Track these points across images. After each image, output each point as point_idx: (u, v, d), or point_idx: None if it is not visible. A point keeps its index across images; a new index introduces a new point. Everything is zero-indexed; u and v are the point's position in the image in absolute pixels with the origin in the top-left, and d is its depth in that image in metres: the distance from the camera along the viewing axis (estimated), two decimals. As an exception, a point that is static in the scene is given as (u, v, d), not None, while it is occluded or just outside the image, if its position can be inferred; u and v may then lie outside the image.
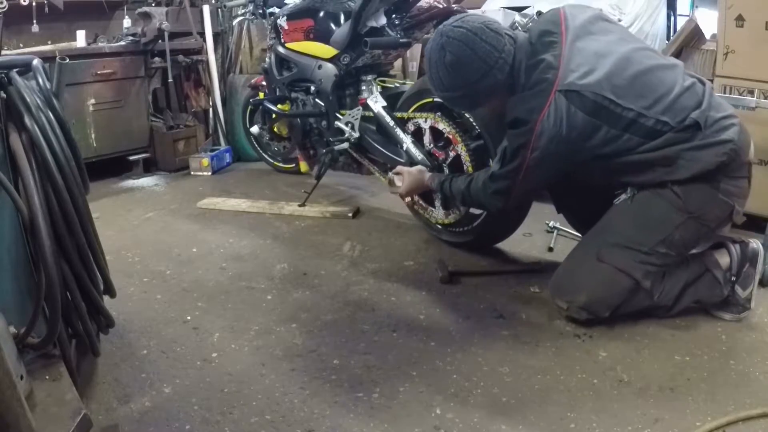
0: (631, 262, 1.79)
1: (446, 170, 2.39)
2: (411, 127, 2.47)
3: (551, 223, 2.59)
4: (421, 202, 2.54)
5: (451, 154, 2.35)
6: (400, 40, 2.59)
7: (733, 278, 1.84)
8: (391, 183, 2.36)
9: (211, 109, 4.27)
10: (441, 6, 2.67)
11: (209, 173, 3.86)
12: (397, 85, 2.82)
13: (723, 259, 1.86)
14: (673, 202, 1.75)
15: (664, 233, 1.77)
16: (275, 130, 3.53)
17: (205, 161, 3.86)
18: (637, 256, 1.78)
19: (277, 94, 3.13)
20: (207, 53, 4.13)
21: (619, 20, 3.46)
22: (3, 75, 1.34)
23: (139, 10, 3.75)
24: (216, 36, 4.21)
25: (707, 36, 2.72)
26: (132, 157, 3.86)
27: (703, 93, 1.76)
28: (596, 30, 1.80)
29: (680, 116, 1.70)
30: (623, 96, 1.68)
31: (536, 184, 1.91)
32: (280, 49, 3.03)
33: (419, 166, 2.31)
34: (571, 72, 1.68)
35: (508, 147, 1.80)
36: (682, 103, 1.72)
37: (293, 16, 2.94)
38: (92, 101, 3.59)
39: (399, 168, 2.34)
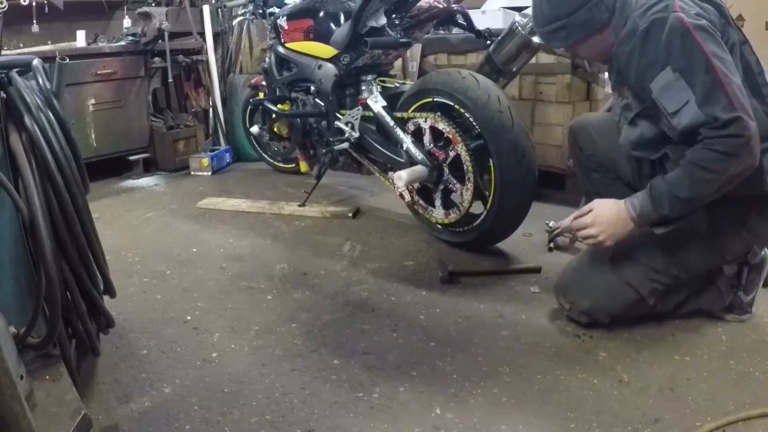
0: (642, 278, 1.74)
1: (446, 170, 2.39)
2: (411, 127, 2.47)
3: (551, 224, 2.58)
4: (421, 202, 2.54)
5: (451, 153, 2.35)
6: (400, 40, 2.59)
7: (737, 285, 1.84)
8: (568, 241, 1.94)
9: (211, 109, 4.27)
10: (441, 6, 2.67)
11: (209, 173, 3.86)
12: (397, 85, 2.82)
13: (729, 268, 1.84)
14: (697, 226, 1.68)
15: (680, 256, 1.72)
16: (275, 130, 3.53)
17: (205, 161, 3.87)
18: (649, 274, 1.74)
19: (277, 94, 3.13)
20: (207, 53, 4.14)
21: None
22: (3, 75, 1.34)
23: (139, 10, 3.75)
24: (216, 36, 4.21)
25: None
26: (132, 157, 3.86)
27: None
28: None
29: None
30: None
31: (737, 78, 1.48)
32: (280, 49, 3.03)
33: (609, 201, 1.70)
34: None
35: (673, 66, 1.47)
36: None
37: (293, 16, 2.95)
38: (92, 101, 3.59)
39: (582, 212, 1.75)
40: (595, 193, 2.06)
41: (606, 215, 1.65)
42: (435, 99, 2.40)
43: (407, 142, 2.44)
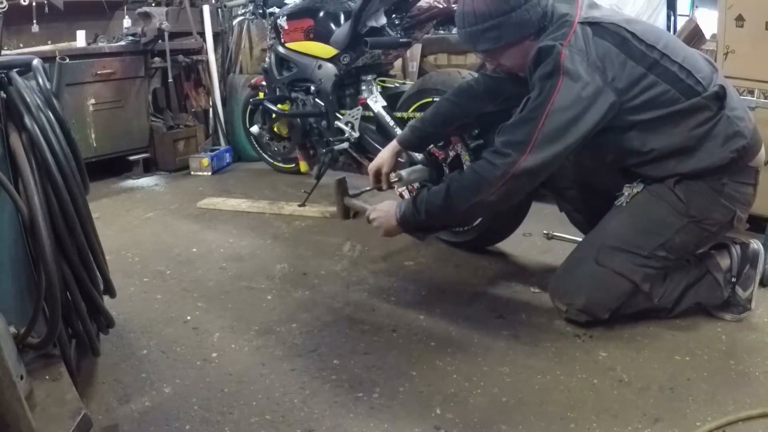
0: (630, 266, 1.76)
1: (446, 170, 2.39)
2: (411, 127, 2.47)
3: (549, 233, 2.57)
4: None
5: (451, 153, 2.34)
6: (400, 40, 2.60)
7: (734, 279, 1.84)
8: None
9: (211, 109, 4.27)
10: (441, 6, 2.67)
11: (209, 173, 3.86)
12: (397, 85, 2.82)
13: (723, 260, 1.85)
14: (674, 205, 1.73)
15: (664, 237, 1.75)
16: (275, 130, 3.53)
17: (205, 161, 3.87)
18: (637, 260, 1.76)
19: (277, 94, 3.13)
20: (207, 53, 4.13)
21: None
22: (3, 75, 1.34)
23: (139, 10, 3.75)
24: (216, 36, 4.21)
25: (707, 36, 2.73)
26: (132, 157, 3.86)
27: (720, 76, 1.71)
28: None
29: (706, 80, 1.65)
30: (645, 36, 1.64)
31: (562, 142, 1.61)
32: (280, 49, 3.03)
33: (389, 201, 1.98)
34: (591, 12, 1.67)
35: (532, 87, 1.64)
36: (705, 70, 1.67)
37: (293, 16, 2.95)
38: (92, 101, 3.59)
39: (371, 209, 2.03)
40: (575, 211, 2.13)
41: (384, 209, 1.94)
42: (435, 99, 2.40)
43: (407, 142, 2.43)
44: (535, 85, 1.65)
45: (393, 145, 2.16)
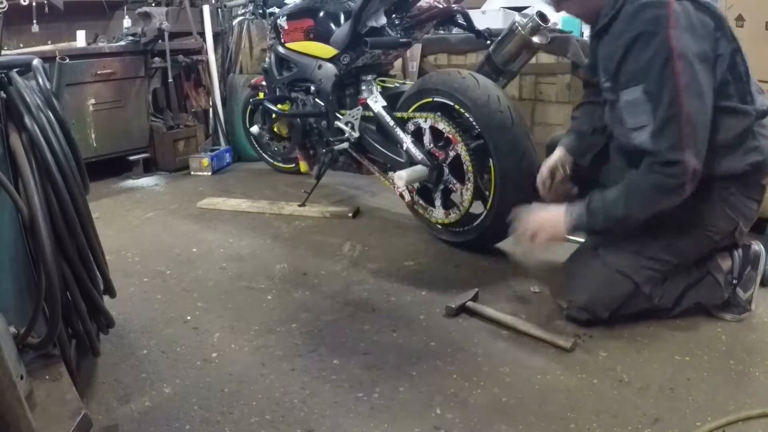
0: (633, 266, 1.77)
1: (446, 170, 2.39)
2: (411, 127, 2.47)
3: None
4: (421, 202, 2.55)
5: (451, 153, 2.35)
6: (400, 40, 2.60)
7: (735, 281, 1.84)
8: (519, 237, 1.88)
9: (211, 109, 4.27)
10: (441, 6, 2.67)
11: (209, 173, 3.86)
12: (397, 85, 2.82)
13: (725, 262, 1.85)
14: (683, 212, 1.69)
15: (668, 240, 1.76)
16: (275, 130, 3.53)
17: (205, 161, 3.87)
18: (639, 261, 1.77)
19: (277, 94, 3.13)
20: (207, 53, 4.14)
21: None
22: (3, 75, 1.34)
23: (139, 10, 3.75)
24: (216, 36, 4.21)
25: (707, 36, 2.72)
26: (132, 157, 3.86)
27: None
28: None
29: (757, 96, 1.66)
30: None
31: (703, 112, 1.55)
32: (280, 49, 3.03)
33: (541, 208, 1.88)
34: None
35: (645, 87, 1.55)
36: (756, 85, 1.69)
37: (293, 16, 2.95)
38: (92, 101, 3.59)
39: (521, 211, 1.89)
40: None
41: (545, 217, 1.80)
42: (435, 99, 2.40)
43: (407, 142, 2.44)
44: (634, 76, 1.57)
45: (562, 152, 2.04)
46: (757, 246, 1.87)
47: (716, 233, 1.76)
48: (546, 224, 1.80)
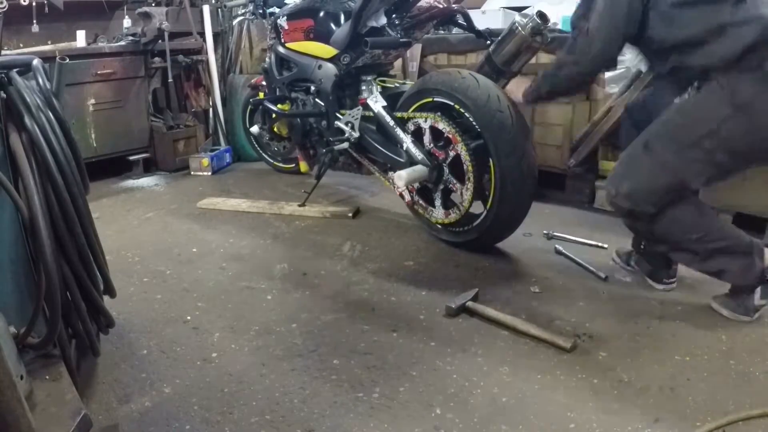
0: (680, 159, 1.77)
1: (446, 170, 2.39)
2: (411, 126, 2.47)
3: (549, 233, 2.58)
4: (421, 202, 2.55)
5: (451, 153, 2.35)
6: (400, 40, 2.59)
7: (765, 280, 1.85)
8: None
9: (211, 109, 4.27)
10: (441, 6, 2.67)
11: (209, 173, 3.86)
12: (397, 85, 2.82)
13: None
14: (721, 96, 1.71)
15: (709, 126, 1.73)
16: (275, 130, 3.53)
17: (205, 161, 3.87)
18: (681, 151, 1.76)
19: (277, 94, 3.13)
20: (207, 53, 4.14)
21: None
22: (3, 75, 1.34)
23: (139, 10, 3.75)
24: (216, 36, 4.21)
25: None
26: (132, 157, 3.86)
27: None
28: None
29: None
30: None
31: (620, 12, 1.76)
32: (280, 49, 3.03)
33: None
34: None
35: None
36: None
37: (293, 16, 2.95)
38: (92, 101, 3.60)
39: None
40: None
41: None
42: (435, 99, 2.40)
43: (407, 142, 2.44)
44: None
45: None
46: None
47: (761, 114, 1.69)
48: (514, 87, 2.21)
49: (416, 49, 3.52)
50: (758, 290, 1.87)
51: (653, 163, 1.81)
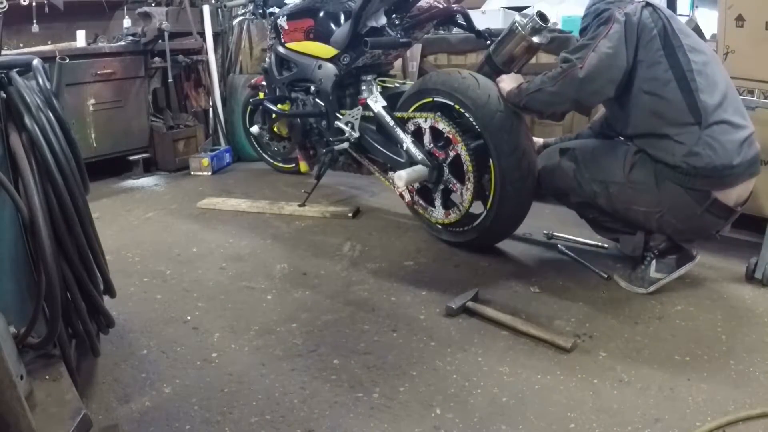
0: (574, 180, 2.13)
1: (446, 170, 2.39)
2: (411, 126, 2.47)
3: (549, 233, 2.57)
4: (421, 202, 2.54)
5: (451, 153, 2.35)
6: (400, 40, 2.59)
7: (655, 252, 2.07)
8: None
9: (211, 109, 4.27)
10: (441, 6, 2.67)
11: (209, 173, 3.86)
12: (397, 85, 2.82)
13: (658, 237, 2.09)
14: (625, 165, 2.01)
15: (605, 177, 2.05)
16: (275, 130, 3.53)
17: (205, 161, 3.87)
18: (579, 177, 2.12)
19: (277, 94, 3.13)
20: (207, 53, 4.13)
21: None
22: (3, 75, 1.34)
23: (139, 10, 3.75)
24: (216, 36, 4.21)
25: (707, 36, 2.73)
26: (132, 157, 3.86)
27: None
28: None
29: (707, 110, 1.87)
30: (682, 33, 1.94)
31: (606, 60, 1.93)
32: (280, 49, 3.03)
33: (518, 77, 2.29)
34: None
35: (589, 30, 2.02)
36: (713, 102, 1.89)
37: (293, 16, 2.95)
38: (92, 101, 3.59)
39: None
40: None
41: (507, 78, 2.27)
42: (435, 99, 2.40)
43: (407, 142, 2.44)
44: (593, 26, 2.02)
45: None
46: (693, 253, 2.09)
47: (641, 204, 2.00)
48: (504, 79, 2.26)
49: (416, 49, 3.52)
50: (653, 264, 2.06)
51: (559, 168, 2.17)
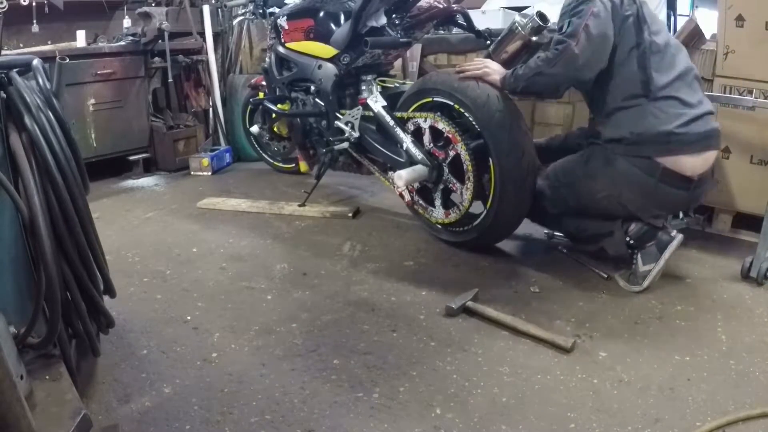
0: (546, 189, 2.23)
1: (446, 170, 2.39)
2: (411, 126, 2.47)
3: (550, 233, 2.58)
4: (421, 201, 2.54)
5: (451, 153, 2.35)
6: (400, 40, 2.60)
7: (632, 242, 2.11)
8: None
9: (211, 109, 4.27)
10: (441, 6, 2.67)
11: (209, 173, 3.86)
12: (397, 85, 2.82)
13: (636, 225, 2.12)
14: (580, 161, 2.16)
15: (571, 179, 2.16)
16: (275, 130, 3.53)
17: (205, 161, 3.87)
18: (550, 185, 2.21)
19: (277, 94, 3.13)
20: (207, 53, 4.13)
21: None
22: (3, 75, 1.34)
23: (139, 10, 3.75)
24: (216, 36, 4.21)
25: (707, 36, 2.72)
26: (132, 157, 3.86)
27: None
28: None
29: (658, 81, 1.99)
30: (651, 17, 2.06)
31: (596, 40, 2.01)
32: (280, 49, 3.03)
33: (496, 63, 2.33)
34: None
35: (570, 12, 2.07)
36: (667, 75, 2.00)
37: (293, 15, 2.95)
38: (92, 101, 3.59)
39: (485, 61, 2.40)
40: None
41: (494, 66, 2.29)
42: (435, 99, 2.40)
43: (407, 141, 2.44)
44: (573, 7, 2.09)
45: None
46: (672, 234, 2.09)
47: (598, 190, 2.10)
48: (491, 70, 2.27)
49: (416, 49, 3.52)
50: (639, 259, 2.10)
51: (541, 186, 2.26)
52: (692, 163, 1.99)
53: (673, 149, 1.97)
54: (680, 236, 2.11)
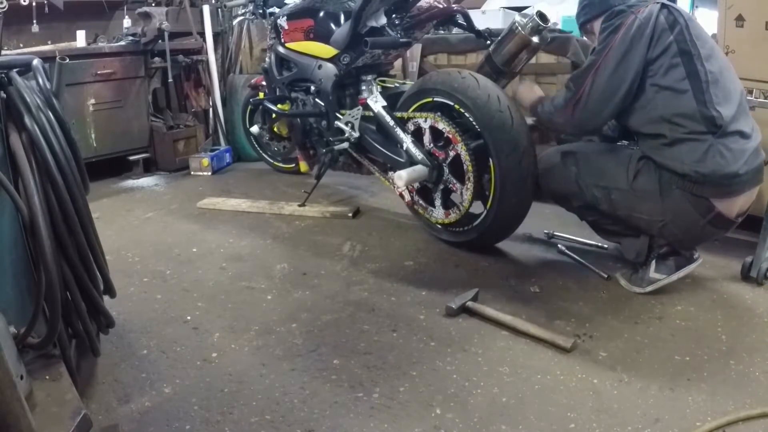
0: (573, 181, 2.13)
1: (446, 170, 2.39)
2: (411, 126, 2.47)
3: (550, 233, 2.58)
4: (421, 201, 2.54)
5: (451, 153, 2.35)
6: (400, 40, 2.59)
7: (655, 254, 2.07)
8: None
9: (211, 109, 4.27)
10: (441, 6, 2.67)
11: (209, 173, 3.86)
12: (397, 85, 2.82)
13: (663, 249, 2.07)
14: (628, 172, 2.00)
15: (606, 182, 2.05)
16: (275, 130, 3.53)
17: (205, 161, 3.87)
18: (581, 181, 2.11)
19: (277, 94, 3.13)
20: (207, 53, 4.13)
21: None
22: (3, 75, 1.34)
23: (139, 10, 3.75)
24: (216, 36, 4.21)
25: (707, 36, 2.72)
26: (132, 157, 3.86)
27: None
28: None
29: (725, 117, 1.85)
30: (699, 39, 1.91)
31: (607, 86, 1.94)
32: (280, 49, 3.03)
33: (538, 90, 2.36)
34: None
35: (600, 37, 2.00)
36: (729, 111, 1.86)
37: (293, 16, 2.95)
38: (92, 101, 3.59)
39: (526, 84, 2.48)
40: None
41: (537, 93, 2.33)
42: (435, 99, 2.40)
43: (407, 142, 2.44)
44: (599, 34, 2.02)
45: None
46: (695, 256, 2.09)
47: (643, 212, 1.99)
48: (527, 94, 2.34)
49: (416, 49, 3.52)
50: (653, 265, 2.07)
51: (559, 170, 2.17)
52: (741, 204, 1.92)
53: (733, 191, 1.88)
54: (700, 260, 2.09)
